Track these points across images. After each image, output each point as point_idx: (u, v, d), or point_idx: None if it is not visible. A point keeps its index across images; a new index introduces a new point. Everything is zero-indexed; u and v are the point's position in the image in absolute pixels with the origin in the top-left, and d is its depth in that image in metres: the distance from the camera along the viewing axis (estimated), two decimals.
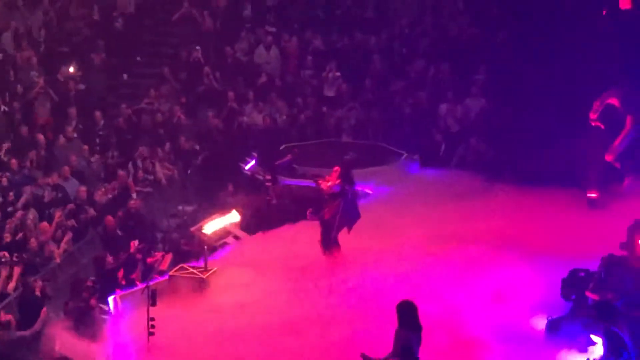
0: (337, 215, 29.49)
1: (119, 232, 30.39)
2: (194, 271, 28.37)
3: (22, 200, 31.58)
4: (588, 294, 26.33)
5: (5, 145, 34.88)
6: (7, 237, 29.60)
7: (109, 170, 33.48)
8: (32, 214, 30.75)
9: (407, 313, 22.67)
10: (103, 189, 32.68)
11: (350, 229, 29.75)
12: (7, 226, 30.20)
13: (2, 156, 34.55)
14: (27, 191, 31.99)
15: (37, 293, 26.83)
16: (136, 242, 29.62)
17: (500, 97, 35.14)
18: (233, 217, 30.13)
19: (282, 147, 33.93)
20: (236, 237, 30.35)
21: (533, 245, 29.06)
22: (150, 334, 25.12)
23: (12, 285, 27.53)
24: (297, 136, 34.40)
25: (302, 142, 34.20)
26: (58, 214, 30.67)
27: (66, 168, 32.98)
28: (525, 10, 37.05)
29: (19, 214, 30.71)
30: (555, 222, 30.19)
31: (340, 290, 27.68)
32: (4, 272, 28.24)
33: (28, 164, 33.52)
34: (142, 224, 30.85)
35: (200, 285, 28.16)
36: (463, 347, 25.65)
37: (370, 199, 31.42)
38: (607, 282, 26.52)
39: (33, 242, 29.20)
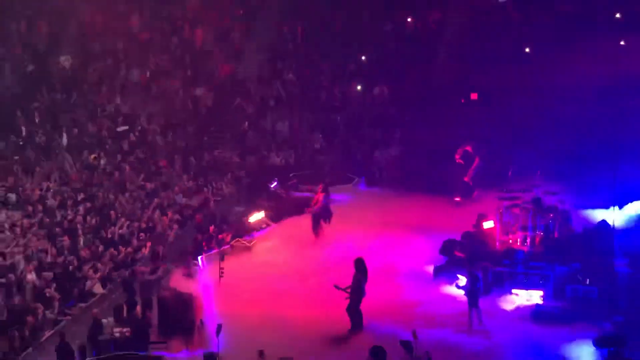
0: (320, 212, 29.95)
1: (203, 222, 30.52)
2: (244, 242, 29.22)
3: (153, 204, 31.53)
4: (456, 253, 26.69)
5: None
6: (144, 225, 29.54)
7: (198, 189, 33.54)
8: (157, 212, 30.79)
9: (360, 264, 23.28)
10: (195, 199, 32.65)
11: (328, 220, 30.23)
12: (144, 221, 30.21)
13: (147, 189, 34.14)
14: (155, 201, 31.86)
15: (159, 254, 26.96)
16: (212, 227, 29.89)
17: (409, 146, 35.69)
18: (264, 213, 30.79)
19: (291, 175, 34.19)
20: (267, 224, 30.91)
21: (426, 226, 30.13)
22: (221, 276, 26.27)
23: (146, 251, 27.60)
24: (299, 169, 34.59)
25: (302, 171, 34.38)
26: (170, 213, 30.82)
27: (176, 188, 32.95)
28: (419, 97, 37.28)
29: (150, 212, 30.79)
30: (438, 213, 31.26)
31: (324, 254, 28.79)
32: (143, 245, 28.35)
33: (152, 185, 33.43)
34: (215, 217, 31.14)
35: (248, 250, 28.72)
36: (390, 282, 26.11)
37: (338, 203, 31.64)
38: (466, 246, 26.92)
39: (159, 228, 29.37)
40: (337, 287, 23.88)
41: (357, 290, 23.63)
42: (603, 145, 29.92)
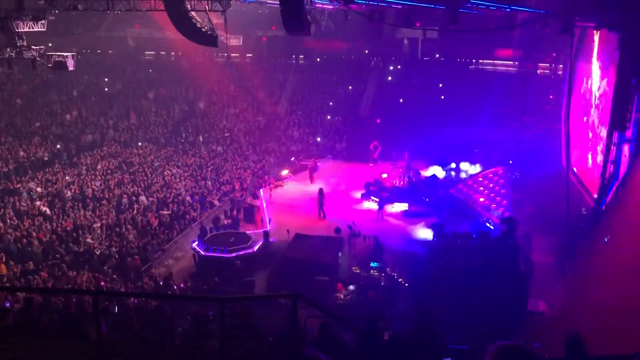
0: (312, 170, 29.28)
1: (262, 174, 29.63)
2: (280, 183, 28.26)
3: (240, 166, 30.82)
4: (371, 187, 26.38)
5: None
6: (236, 176, 28.98)
7: (259, 160, 32.58)
8: (241, 170, 29.98)
9: (320, 191, 24.47)
10: (259, 164, 31.86)
11: (314, 174, 29.32)
12: (236, 174, 29.66)
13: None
14: (239, 165, 31.04)
15: (243, 188, 26.63)
16: (266, 176, 29.25)
17: (349, 142, 34.25)
18: (288, 170, 29.87)
19: (300, 155, 33.10)
20: (289, 175, 29.62)
21: (356, 175, 28.74)
22: (270, 197, 25.01)
23: (237, 187, 27.06)
24: (303, 152, 33.44)
25: (304, 153, 33.38)
26: (248, 171, 30.06)
27: (250, 160, 32.26)
28: (354, 121, 36.03)
29: (239, 170, 30.12)
30: (362, 170, 29.88)
31: (312, 188, 27.00)
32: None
33: (240, 158, 32.90)
34: (267, 172, 30.02)
35: (281, 186, 27.97)
36: (340, 199, 25.79)
37: (320, 166, 30.57)
38: (375, 184, 26.52)
39: (243, 177, 28.71)
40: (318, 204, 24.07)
41: (320, 203, 24.09)
42: (434, 139, 28.91)
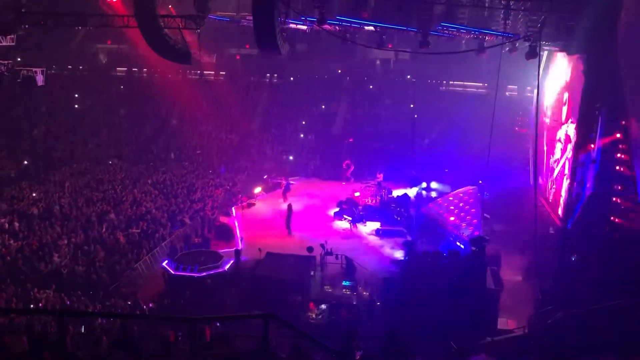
0: (284, 188, 29.23)
1: (234, 192, 29.38)
2: (252, 201, 28.19)
3: (212, 184, 30.58)
4: (343, 206, 26.35)
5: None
6: (207, 193, 28.67)
7: (232, 178, 32.35)
8: (213, 188, 29.61)
9: (289, 207, 24.86)
10: (231, 182, 31.51)
11: (287, 192, 29.23)
12: (207, 192, 29.25)
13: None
14: (211, 183, 30.69)
15: (215, 206, 26.39)
16: (239, 195, 29.00)
17: (322, 160, 34.43)
18: (260, 188, 29.64)
19: (273, 174, 33.06)
20: (262, 193, 29.50)
21: (329, 193, 28.88)
22: (242, 214, 24.76)
23: (209, 205, 26.74)
24: (276, 170, 33.30)
25: (277, 171, 33.30)
26: (220, 188, 29.75)
27: (221, 177, 31.90)
28: (327, 140, 36.32)
29: (211, 187, 29.66)
30: (335, 188, 29.90)
31: (284, 206, 26.82)
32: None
33: (212, 175, 32.36)
34: (239, 190, 29.81)
35: (253, 204, 27.84)
36: (311, 218, 25.76)
37: (292, 185, 30.51)
38: (348, 203, 26.51)
39: (215, 194, 28.44)
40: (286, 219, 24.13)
41: (288, 218, 24.67)
42: (405, 159, 29.33)
